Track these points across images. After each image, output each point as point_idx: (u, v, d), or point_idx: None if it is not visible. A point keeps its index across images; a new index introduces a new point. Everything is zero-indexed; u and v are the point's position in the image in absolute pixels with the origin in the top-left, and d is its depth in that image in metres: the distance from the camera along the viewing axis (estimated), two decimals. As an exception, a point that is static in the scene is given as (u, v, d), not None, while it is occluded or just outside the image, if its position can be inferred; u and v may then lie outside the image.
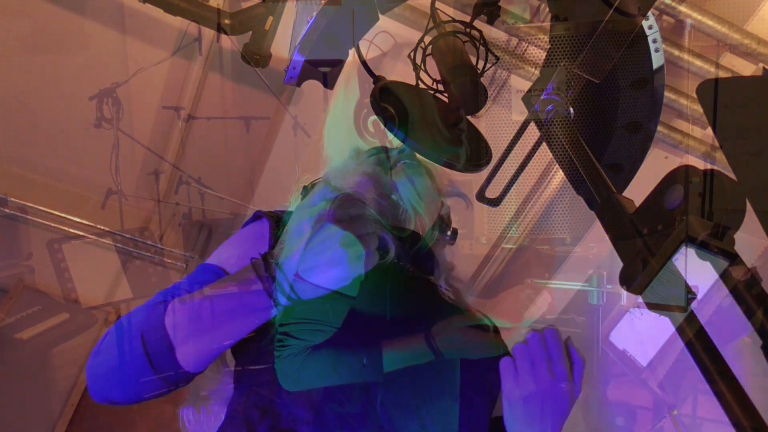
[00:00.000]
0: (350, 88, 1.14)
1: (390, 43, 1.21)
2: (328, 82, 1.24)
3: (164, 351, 0.90)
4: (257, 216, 1.13)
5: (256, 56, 3.52)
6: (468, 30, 1.18)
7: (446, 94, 1.21)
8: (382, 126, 1.08)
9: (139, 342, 0.91)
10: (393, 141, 1.12)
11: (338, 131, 1.16)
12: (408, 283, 1.13)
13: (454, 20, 1.17)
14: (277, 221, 1.11)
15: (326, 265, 1.01)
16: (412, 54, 1.22)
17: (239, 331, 0.93)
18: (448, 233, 1.16)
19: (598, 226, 0.98)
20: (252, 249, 1.06)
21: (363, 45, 1.16)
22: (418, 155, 1.13)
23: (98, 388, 0.94)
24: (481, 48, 1.17)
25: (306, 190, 1.16)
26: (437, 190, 1.19)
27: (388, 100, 1.10)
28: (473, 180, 1.10)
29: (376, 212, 1.08)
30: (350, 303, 1.09)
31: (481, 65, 1.19)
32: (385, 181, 1.10)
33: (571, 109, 0.86)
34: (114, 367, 0.92)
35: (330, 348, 1.08)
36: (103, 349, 0.95)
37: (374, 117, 1.09)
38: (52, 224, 3.43)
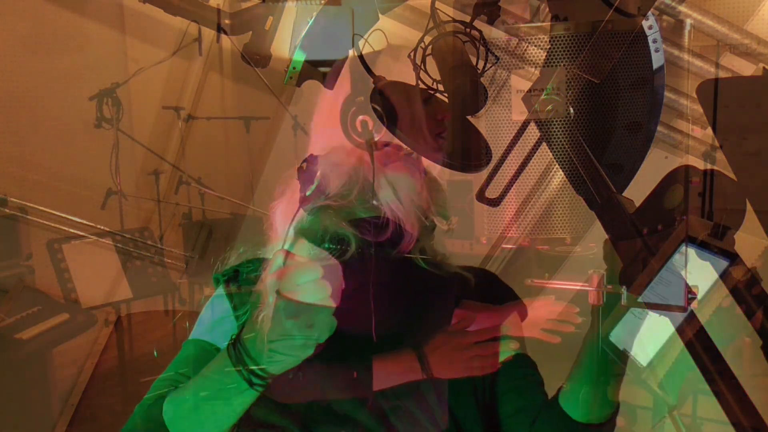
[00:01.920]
0: (341, 86, 1.14)
1: (384, 44, 1.21)
2: (328, 82, 1.24)
3: None
4: (216, 280, 1.18)
5: (256, 56, 3.52)
6: (468, 30, 1.18)
7: (446, 95, 1.21)
8: (371, 127, 1.09)
9: None
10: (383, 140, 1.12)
11: (326, 126, 1.16)
12: (389, 270, 1.12)
13: (454, 20, 1.17)
14: (234, 277, 1.15)
15: (303, 280, 1.02)
16: (412, 54, 1.22)
17: (230, 415, 0.96)
18: (448, 225, 1.17)
19: (598, 226, 0.98)
20: (216, 317, 1.13)
21: (361, 44, 1.16)
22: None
23: None
24: (481, 48, 1.17)
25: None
26: (424, 197, 1.17)
27: (387, 101, 1.10)
28: (473, 180, 1.10)
29: (351, 217, 1.07)
30: (330, 312, 1.07)
31: (481, 65, 1.18)
32: (365, 186, 1.10)
33: (571, 109, 0.86)
34: None
35: (320, 361, 1.08)
36: None
37: (362, 117, 1.09)
38: (52, 224, 3.43)
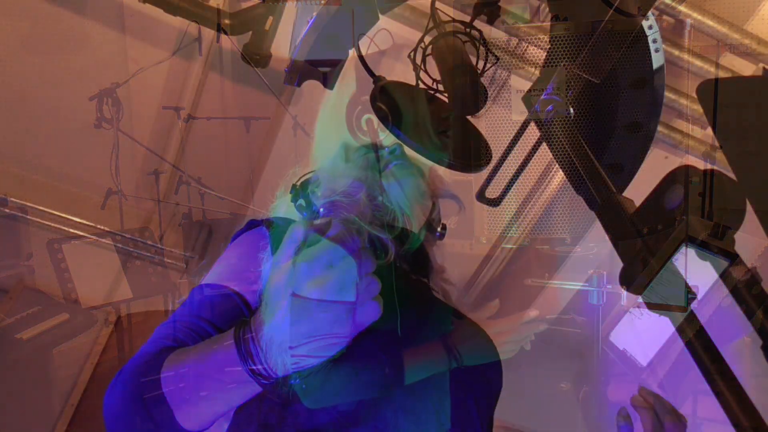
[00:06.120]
0: (345, 85, 1.14)
1: (389, 43, 1.21)
2: (328, 82, 1.24)
3: (165, 413, 0.82)
4: (252, 224, 1.09)
5: (256, 56, 3.52)
6: (468, 30, 1.18)
7: (446, 95, 1.21)
8: (376, 125, 1.08)
9: (140, 404, 0.82)
10: (385, 140, 1.12)
11: (329, 127, 1.16)
12: (402, 283, 1.13)
13: (454, 20, 1.17)
14: (270, 227, 1.08)
15: (318, 275, 1.01)
16: (412, 54, 1.22)
17: (234, 400, 0.83)
18: (438, 230, 1.16)
19: (598, 226, 0.98)
20: (252, 261, 1.00)
21: (363, 44, 1.16)
22: (409, 156, 1.13)
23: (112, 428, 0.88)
24: (481, 48, 1.17)
25: (295, 189, 1.14)
26: (428, 192, 1.18)
27: (387, 100, 1.10)
28: (473, 180, 1.10)
29: (361, 215, 1.08)
30: (351, 308, 1.07)
31: (481, 65, 1.19)
32: (373, 183, 1.10)
33: (571, 109, 0.86)
34: (122, 420, 0.85)
35: (349, 360, 1.06)
36: (114, 396, 0.87)
37: (368, 115, 1.08)
38: (52, 224, 3.43)
